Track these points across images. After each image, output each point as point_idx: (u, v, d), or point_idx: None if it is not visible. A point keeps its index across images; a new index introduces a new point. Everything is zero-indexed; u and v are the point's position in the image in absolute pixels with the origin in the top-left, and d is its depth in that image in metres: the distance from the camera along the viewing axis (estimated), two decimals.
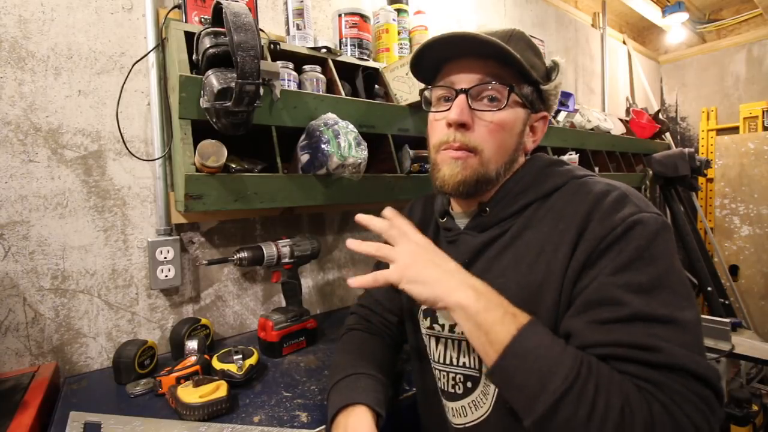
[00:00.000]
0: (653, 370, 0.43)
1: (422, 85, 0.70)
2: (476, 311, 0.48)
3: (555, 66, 0.63)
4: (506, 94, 0.58)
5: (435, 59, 0.63)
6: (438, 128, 0.62)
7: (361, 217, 0.58)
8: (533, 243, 0.56)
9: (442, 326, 0.69)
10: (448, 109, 0.59)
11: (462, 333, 0.64)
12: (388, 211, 0.58)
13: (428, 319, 0.72)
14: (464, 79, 0.59)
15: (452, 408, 0.65)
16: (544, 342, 0.45)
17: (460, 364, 0.65)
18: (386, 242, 0.56)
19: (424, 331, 0.72)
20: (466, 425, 0.63)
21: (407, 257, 0.52)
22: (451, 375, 0.67)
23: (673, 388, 0.42)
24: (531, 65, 0.59)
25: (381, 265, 0.86)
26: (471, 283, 0.51)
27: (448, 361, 0.68)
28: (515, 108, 0.60)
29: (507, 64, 0.58)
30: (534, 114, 0.63)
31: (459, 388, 0.64)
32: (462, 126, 0.58)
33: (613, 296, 0.47)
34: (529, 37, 0.62)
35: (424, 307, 0.72)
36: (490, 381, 0.55)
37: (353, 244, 0.54)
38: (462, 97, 0.58)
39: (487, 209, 0.62)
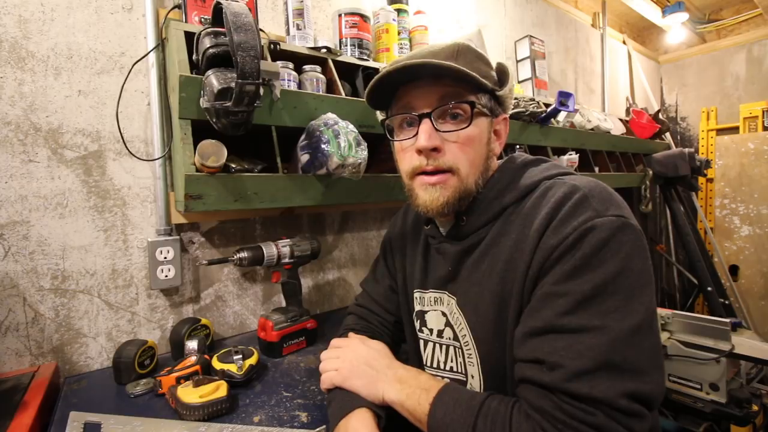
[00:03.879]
0: (545, 395, 0.45)
1: None
2: (402, 401, 0.57)
3: (504, 71, 0.63)
4: (469, 111, 0.58)
5: (389, 86, 0.62)
6: (408, 156, 0.61)
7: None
8: (505, 251, 0.56)
9: (431, 330, 0.69)
10: (414, 135, 0.59)
11: (449, 338, 0.65)
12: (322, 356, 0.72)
13: (419, 322, 0.72)
14: (423, 102, 0.59)
15: None
16: (448, 409, 0.51)
17: (448, 368, 0.66)
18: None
19: (416, 333, 0.73)
20: None
21: (340, 378, 0.65)
22: (438, 378, 0.67)
23: (557, 417, 0.43)
24: (483, 75, 0.59)
25: (379, 265, 0.87)
26: (394, 376, 0.60)
27: (436, 365, 0.68)
28: (478, 119, 0.60)
29: (462, 81, 0.58)
30: (495, 119, 0.63)
31: None
32: (433, 150, 0.58)
33: (549, 306, 0.48)
34: (475, 47, 0.62)
35: (417, 309, 0.73)
36: None
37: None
38: (427, 121, 0.57)
39: (464, 218, 0.62)
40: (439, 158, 0.58)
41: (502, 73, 0.63)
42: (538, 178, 0.59)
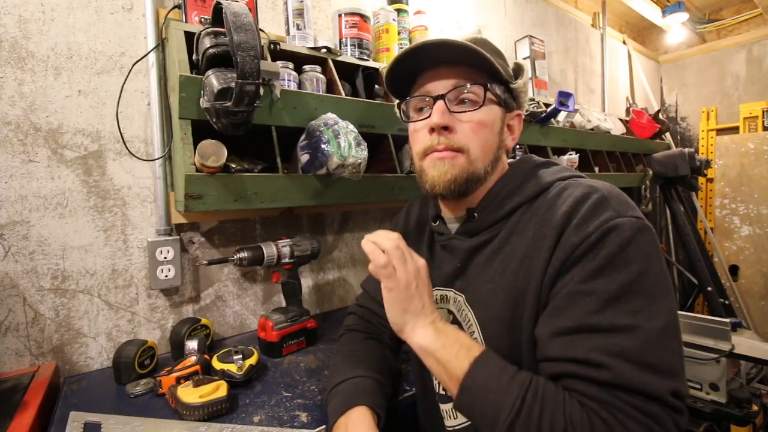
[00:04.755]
0: (598, 387, 0.44)
1: None
2: (435, 350, 0.54)
3: (519, 67, 0.65)
4: (482, 94, 0.59)
5: (408, 72, 0.64)
6: (420, 136, 0.63)
7: (365, 246, 0.60)
8: (519, 249, 0.57)
9: None
10: (428, 116, 0.60)
11: None
12: (388, 243, 0.59)
13: None
14: (439, 86, 0.60)
15: (445, 410, 0.66)
16: (493, 374, 0.49)
17: None
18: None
19: None
20: (456, 428, 0.64)
21: (394, 282, 0.57)
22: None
23: (615, 405, 0.43)
24: (499, 66, 0.60)
25: None
26: (432, 322, 0.56)
27: None
28: (491, 106, 0.61)
29: (478, 68, 0.59)
30: (509, 113, 0.65)
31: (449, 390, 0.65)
32: (445, 129, 0.59)
33: (578, 305, 0.48)
34: (491, 43, 0.64)
35: None
36: (458, 412, 0.57)
37: (368, 246, 0.59)
38: (440, 102, 0.59)
39: (476, 215, 0.63)
40: (450, 137, 0.59)
41: (518, 69, 0.65)
42: (551, 179, 0.60)
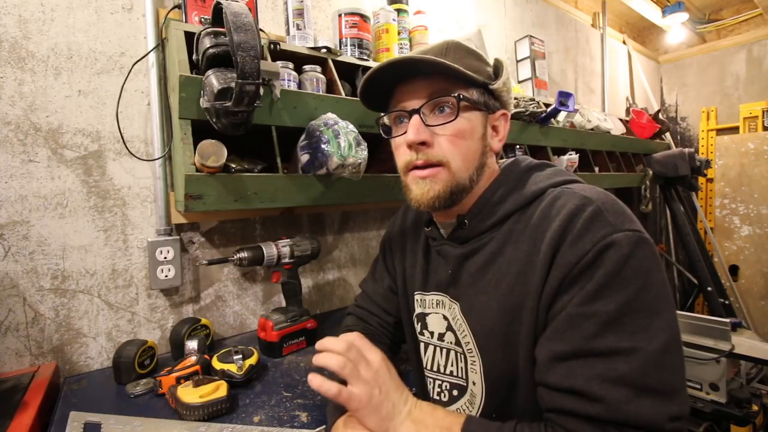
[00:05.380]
0: (591, 424, 0.45)
1: None
2: None
3: (499, 65, 0.63)
4: (455, 104, 0.58)
5: (384, 86, 0.63)
6: (401, 152, 0.62)
7: (313, 383, 0.54)
8: (514, 262, 0.56)
9: (432, 333, 0.69)
10: (405, 132, 0.60)
11: (450, 343, 0.65)
12: (334, 363, 0.54)
13: (419, 324, 0.72)
14: (415, 100, 0.59)
15: None
16: None
17: (448, 372, 0.66)
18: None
19: (416, 335, 0.73)
20: None
21: (356, 403, 0.53)
22: (438, 382, 0.67)
23: None
24: (474, 70, 0.58)
25: (378, 265, 0.86)
26: (408, 414, 0.54)
27: (436, 368, 0.68)
28: (469, 113, 0.59)
29: (450, 76, 0.58)
30: (492, 114, 0.63)
31: (444, 396, 0.65)
32: (422, 144, 0.58)
33: (577, 329, 0.47)
34: (466, 44, 0.62)
35: (417, 311, 0.73)
36: None
37: (316, 381, 0.53)
38: (416, 117, 0.58)
39: (466, 222, 0.62)
40: (428, 152, 0.58)
41: (497, 68, 0.64)
42: (544, 185, 0.59)
